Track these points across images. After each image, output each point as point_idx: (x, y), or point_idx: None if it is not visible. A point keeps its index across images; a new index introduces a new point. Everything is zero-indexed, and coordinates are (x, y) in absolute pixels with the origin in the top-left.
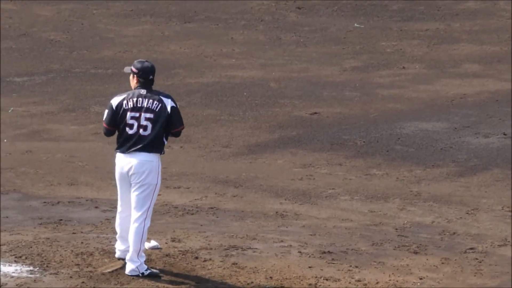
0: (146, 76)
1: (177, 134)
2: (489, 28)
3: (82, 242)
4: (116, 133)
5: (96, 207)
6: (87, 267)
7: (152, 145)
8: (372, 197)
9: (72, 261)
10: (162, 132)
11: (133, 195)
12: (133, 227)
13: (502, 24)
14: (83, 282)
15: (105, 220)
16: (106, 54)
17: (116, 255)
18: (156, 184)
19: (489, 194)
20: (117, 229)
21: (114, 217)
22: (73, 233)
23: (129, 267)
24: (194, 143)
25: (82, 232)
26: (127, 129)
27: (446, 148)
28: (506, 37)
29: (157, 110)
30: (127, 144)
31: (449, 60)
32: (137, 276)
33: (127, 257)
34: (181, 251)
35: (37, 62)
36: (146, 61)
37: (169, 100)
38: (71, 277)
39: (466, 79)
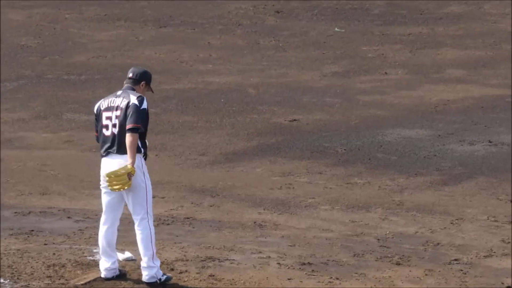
0: (127, 75)
1: (127, 131)
2: (474, 32)
3: (54, 254)
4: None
5: (69, 217)
6: (59, 279)
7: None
8: (353, 206)
9: (44, 273)
10: None
11: (127, 202)
12: (138, 234)
13: (487, 28)
14: None
15: (78, 230)
16: (79, 59)
17: (102, 275)
18: (146, 184)
19: (474, 203)
20: (101, 242)
21: (87, 228)
22: (45, 244)
23: (147, 275)
24: (170, 151)
25: (54, 243)
26: (103, 130)
27: (430, 156)
28: (491, 42)
29: (123, 107)
30: (105, 146)
31: (433, 65)
32: (156, 283)
33: (142, 265)
34: None
35: (8, 68)
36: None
37: (135, 97)
38: None
39: (450, 84)
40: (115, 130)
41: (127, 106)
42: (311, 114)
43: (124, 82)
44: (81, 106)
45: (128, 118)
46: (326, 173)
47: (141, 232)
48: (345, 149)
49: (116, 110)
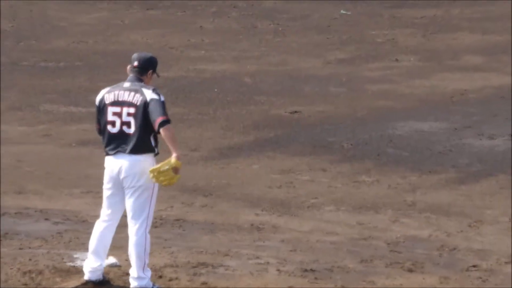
0: (131, 63)
1: (159, 126)
2: (492, 15)
3: (30, 259)
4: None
5: (46, 219)
6: (36, 287)
7: (141, 144)
8: (360, 207)
9: (19, 280)
10: (149, 128)
11: (128, 203)
12: (132, 240)
13: (506, 11)
14: None
15: (56, 233)
16: (58, 45)
17: (85, 277)
18: (153, 187)
19: (494, 203)
20: (95, 240)
21: (67, 230)
22: (20, 248)
23: (136, 285)
24: (158, 145)
25: (30, 248)
26: (109, 127)
27: (445, 152)
28: (511, 26)
29: (138, 103)
30: (112, 144)
31: (448, 51)
32: None
33: (132, 274)
34: None
35: None
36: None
37: (150, 91)
38: None
39: (466, 72)
40: (128, 129)
41: (145, 104)
42: (313, 105)
43: (128, 71)
44: (60, 96)
45: (153, 114)
46: (330, 170)
47: (136, 240)
48: (351, 144)
49: (129, 106)
